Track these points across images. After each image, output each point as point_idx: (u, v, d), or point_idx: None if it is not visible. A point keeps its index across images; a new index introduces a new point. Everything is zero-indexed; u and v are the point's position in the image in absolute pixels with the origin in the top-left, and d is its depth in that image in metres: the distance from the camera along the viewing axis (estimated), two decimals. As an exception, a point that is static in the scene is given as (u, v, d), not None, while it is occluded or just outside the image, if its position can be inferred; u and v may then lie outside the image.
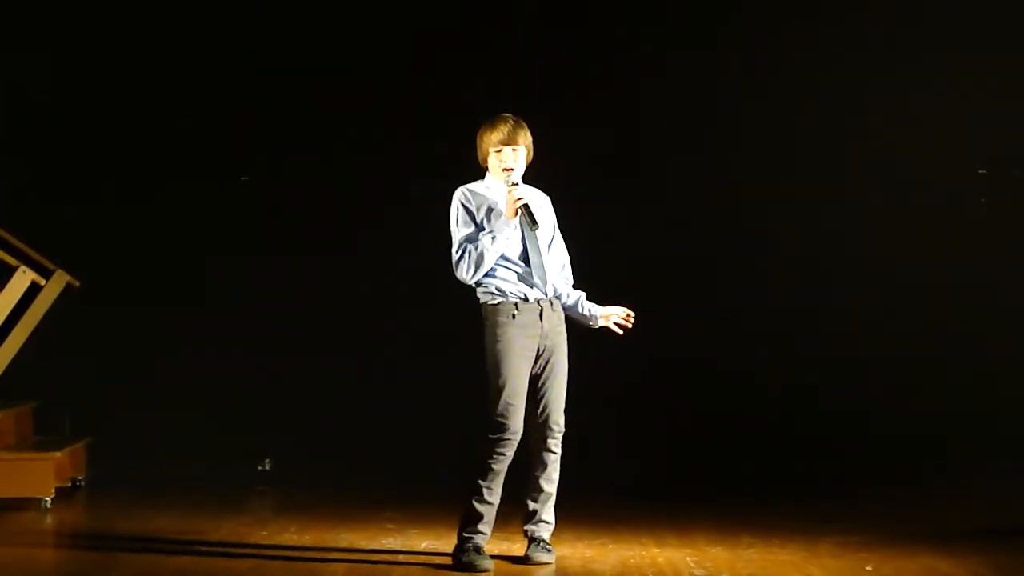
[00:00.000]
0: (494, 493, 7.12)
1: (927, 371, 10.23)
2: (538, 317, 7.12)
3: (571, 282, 7.35)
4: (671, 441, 10.18)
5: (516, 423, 7.06)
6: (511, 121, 7.15)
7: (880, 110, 10.33)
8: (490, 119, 7.19)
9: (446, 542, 7.52)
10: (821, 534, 8.00)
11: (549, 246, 7.26)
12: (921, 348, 10.27)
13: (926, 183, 10.34)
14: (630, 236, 10.24)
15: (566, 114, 9.87)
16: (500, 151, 7.12)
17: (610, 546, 7.71)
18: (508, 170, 7.11)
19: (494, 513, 7.15)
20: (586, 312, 7.28)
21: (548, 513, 7.26)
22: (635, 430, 10.02)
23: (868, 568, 7.22)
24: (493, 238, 7.06)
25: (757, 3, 10.42)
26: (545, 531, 7.27)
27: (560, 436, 7.19)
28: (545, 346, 7.14)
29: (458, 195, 7.21)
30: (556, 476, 7.22)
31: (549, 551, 7.25)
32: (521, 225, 7.10)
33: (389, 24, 10.44)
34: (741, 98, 10.37)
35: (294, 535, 8.00)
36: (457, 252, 7.14)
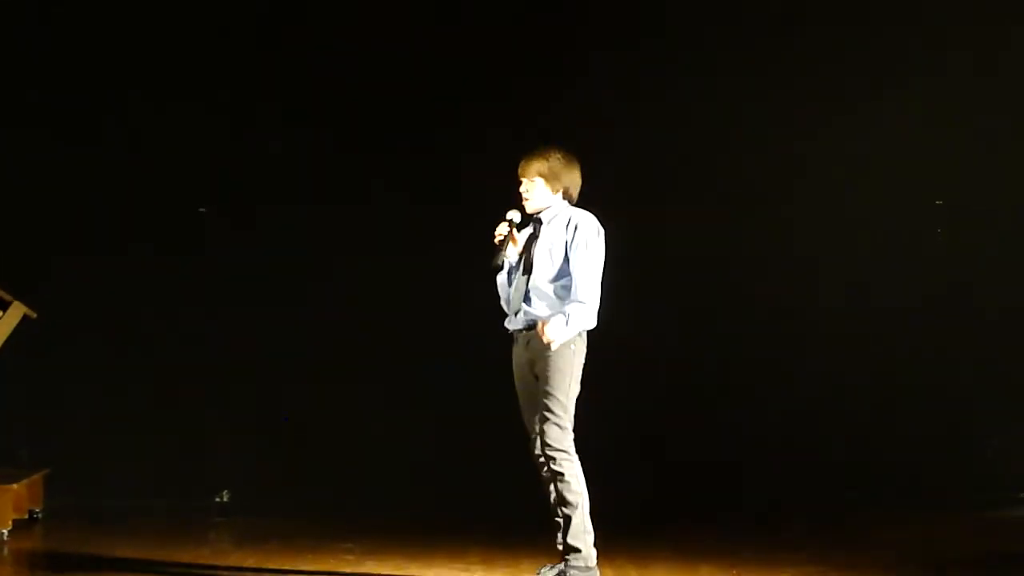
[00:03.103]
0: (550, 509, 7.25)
1: (891, 398, 10.27)
2: (521, 346, 7.30)
3: (573, 302, 7.23)
4: (628, 469, 10.15)
5: (531, 444, 7.21)
6: (535, 153, 7.37)
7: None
8: None
9: (403, 572, 7.52)
10: (780, 563, 8.01)
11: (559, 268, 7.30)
12: (888, 374, 10.32)
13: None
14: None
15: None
16: (519, 181, 7.39)
17: None
18: (524, 200, 7.37)
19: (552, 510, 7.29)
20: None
21: (575, 539, 7.15)
22: (588, 456, 9.97)
23: (826, 597, 7.26)
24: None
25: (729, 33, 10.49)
26: (575, 560, 7.15)
27: (559, 457, 7.14)
28: (533, 370, 7.25)
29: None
30: (572, 498, 7.14)
31: None
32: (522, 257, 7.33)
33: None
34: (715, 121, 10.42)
35: (253, 566, 7.98)
36: None
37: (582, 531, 7.17)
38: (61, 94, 10.36)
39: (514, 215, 7.34)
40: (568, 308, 7.17)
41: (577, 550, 7.16)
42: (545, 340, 7.13)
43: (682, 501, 10.13)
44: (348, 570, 7.86)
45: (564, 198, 7.38)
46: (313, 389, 10.28)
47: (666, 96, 10.33)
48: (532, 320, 7.24)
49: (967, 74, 10.31)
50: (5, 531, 8.85)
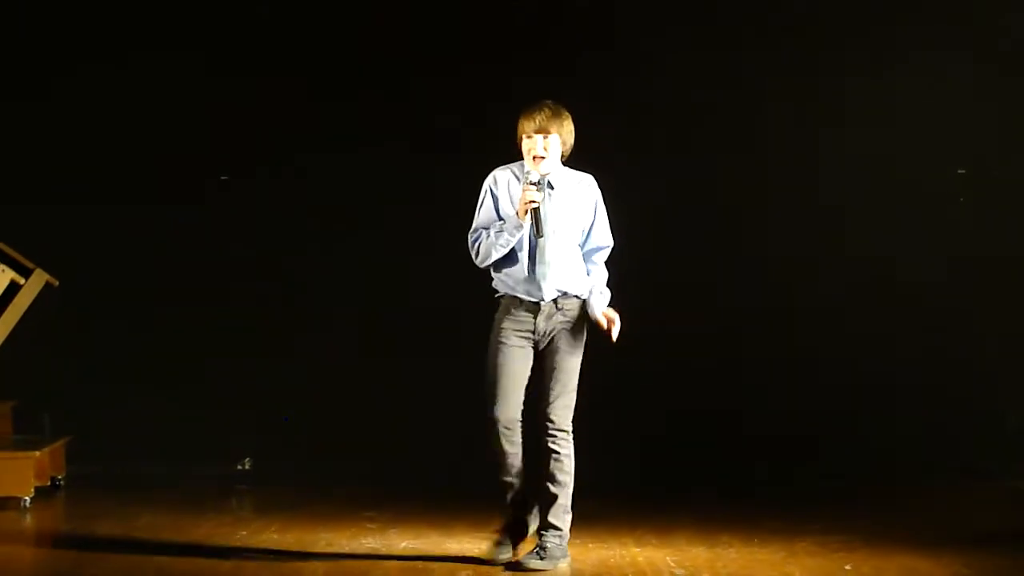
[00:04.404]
0: (507, 476, 7.16)
1: (905, 371, 10.25)
2: (533, 316, 7.14)
3: (599, 267, 7.27)
4: (648, 439, 10.14)
5: (502, 413, 7.07)
6: (547, 108, 7.13)
7: (859, 109, 10.34)
8: (530, 104, 7.19)
9: (424, 541, 7.53)
10: (800, 534, 8.01)
11: (587, 232, 7.25)
12: (895, 348, 10.30)
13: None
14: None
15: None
16: (530, 137, 7.14)
17: (590, 545, 7.71)
18: (538, 158, 7.11)
19: (517, 497, 7.23)
20: (590, 304, 7.22)
21: (556, 517, 7.13)
22: (611, 427, 9.98)
23: (847, 568, 7.24)
24: (499, 232, 7.12)
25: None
26: (552, 538, 7.14)
27: (560, 436, 7.10)
28: (543, 343, 7.16)
29: (489, 178, 7.27)
30: (564, 478, 7.11)
31: (543, 558, 7.10)
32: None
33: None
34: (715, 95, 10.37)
35: (274, 534, 8.00)
36: (471, 236, 7.24)
37: (563, 511, 7.16)
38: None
39: (536, 175, 7.13)
40: (602, 284, 7.23)
41: (558, 528, 7.16)
42: (615, 325, 7.13)
43: (705, 474, 10.12)
44: (370, 539, 7.87)
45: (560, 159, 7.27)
46: (335, 359, 10.26)
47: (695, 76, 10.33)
48: (562, 291, 7.16)
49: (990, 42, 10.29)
50: (27, 498, 8.87)
